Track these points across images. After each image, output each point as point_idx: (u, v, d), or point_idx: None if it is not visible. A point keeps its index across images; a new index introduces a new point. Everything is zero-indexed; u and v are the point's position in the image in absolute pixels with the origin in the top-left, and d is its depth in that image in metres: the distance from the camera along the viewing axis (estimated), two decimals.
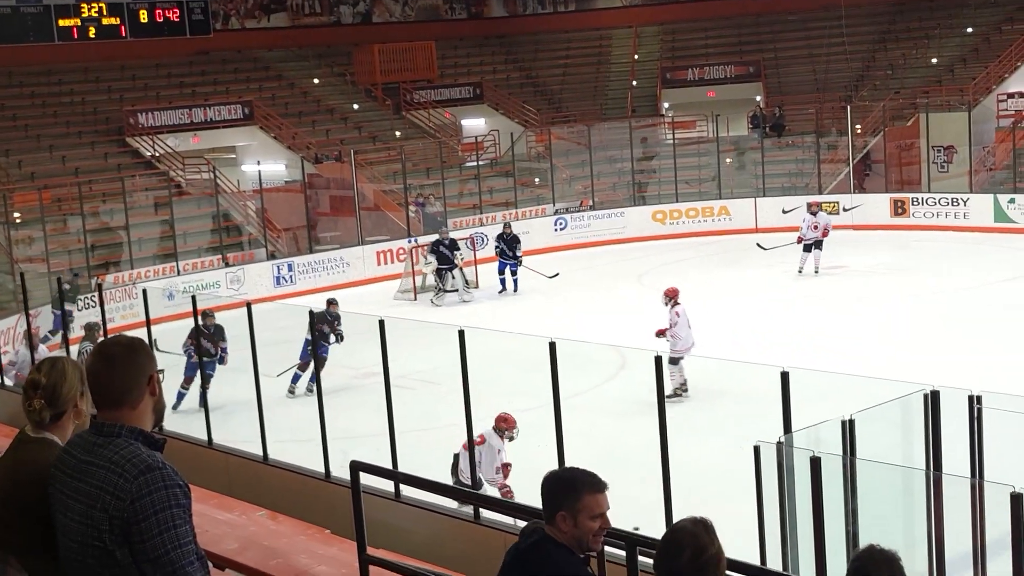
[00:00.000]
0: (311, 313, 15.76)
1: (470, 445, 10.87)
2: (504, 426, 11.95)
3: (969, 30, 38.20)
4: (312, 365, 15.92)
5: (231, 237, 29.66)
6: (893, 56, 39.23)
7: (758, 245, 27.02)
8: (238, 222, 30.34)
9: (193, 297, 14.11)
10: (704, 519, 3.96)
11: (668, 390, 14.47)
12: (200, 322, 15.46)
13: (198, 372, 16.01)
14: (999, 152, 32.79)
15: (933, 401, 7.57)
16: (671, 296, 16.87)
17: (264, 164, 31.18)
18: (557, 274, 21.60)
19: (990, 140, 33.54)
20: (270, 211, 29.57)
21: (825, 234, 25.55)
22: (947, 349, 17.89)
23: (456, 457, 11.85)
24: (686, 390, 16.25)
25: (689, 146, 35.61)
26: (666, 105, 40.84)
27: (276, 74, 38.07)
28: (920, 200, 31.32)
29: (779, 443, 7.55)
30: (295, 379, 17.96)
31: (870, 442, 7.68)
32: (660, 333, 16.42)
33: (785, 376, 7.93)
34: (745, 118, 37.76)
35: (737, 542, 7.04)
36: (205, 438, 12.31)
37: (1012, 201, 29.42)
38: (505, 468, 11.86)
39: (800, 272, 25.42)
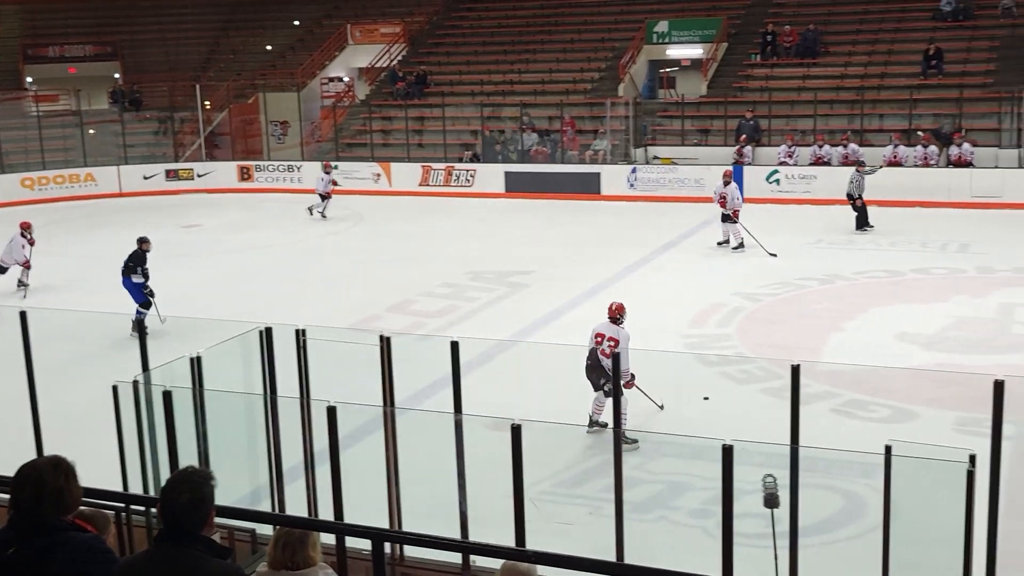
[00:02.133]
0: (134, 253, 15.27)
1: None
2: (621, 314, 10.93)
3: (296, 23, 39.26)
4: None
5: None
6: (235, 43, 39.44)
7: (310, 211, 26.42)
8: None
9: None
10: (56, 457, 3.82)
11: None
12: None
13: None
14: (324, 126, 34.12)
15: (267, 336, 7.73)
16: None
17: None
18: None
19: (317, 116, 34.80)
20: None
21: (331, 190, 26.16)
22: (287, 290, 18.31)
23: (593, 353, 10.66)
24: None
25: (54, 118, 33.57)
26: (29, 80, 38.24)
27: None
28: (262, 167, 31.83)
29: (135, 382, 7.40)
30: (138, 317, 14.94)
31: (219, 375, 7.74)
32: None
33: (140, 322, 7.79)
34: (106, 93, 36.33)
35: (100, 473, 6.83)
36: None
37: (335, 167, 30.74)
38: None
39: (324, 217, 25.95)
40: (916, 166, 25.27)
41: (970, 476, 5.26)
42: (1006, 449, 9.43)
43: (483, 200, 28.05)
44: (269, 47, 38.59)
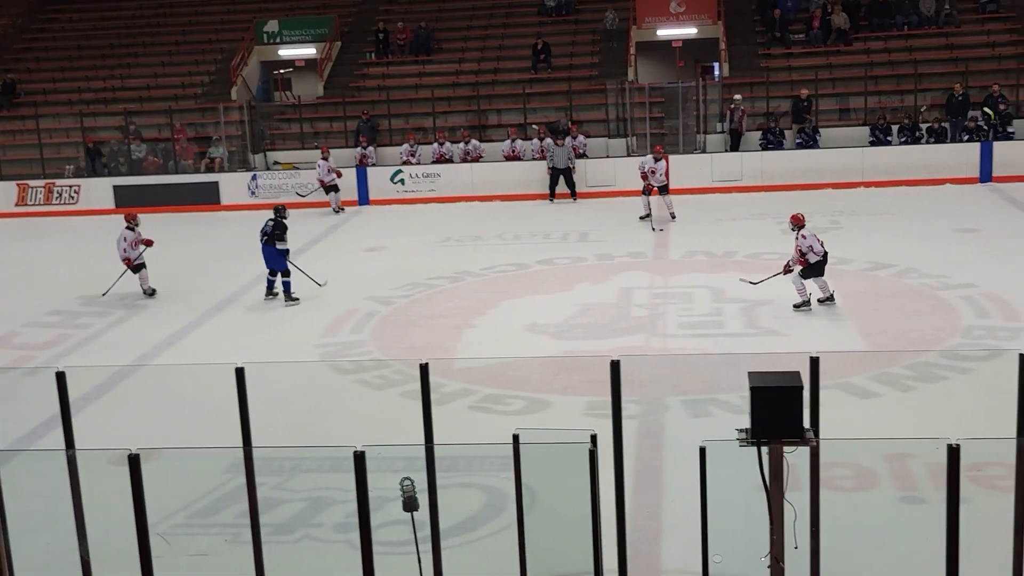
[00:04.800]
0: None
1: None
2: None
3: None
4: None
5: None
6: None
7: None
8: None
9: None
10: None
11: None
12: None
13: None
14: None
15: None
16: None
17: None
18: None
19: None
20: None
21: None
22: None
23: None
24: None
25: None
26: None
27: None
28: None
29: None
30: (287, 288, 17.12)
31: None
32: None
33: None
34: None
35: None
36: None
37: None
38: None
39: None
40: (533, 159, 26.56)
41: (592, 455, 5.63)
42: (632, 427, 10.17)
43: (91, 218, 26.68)
44: None
